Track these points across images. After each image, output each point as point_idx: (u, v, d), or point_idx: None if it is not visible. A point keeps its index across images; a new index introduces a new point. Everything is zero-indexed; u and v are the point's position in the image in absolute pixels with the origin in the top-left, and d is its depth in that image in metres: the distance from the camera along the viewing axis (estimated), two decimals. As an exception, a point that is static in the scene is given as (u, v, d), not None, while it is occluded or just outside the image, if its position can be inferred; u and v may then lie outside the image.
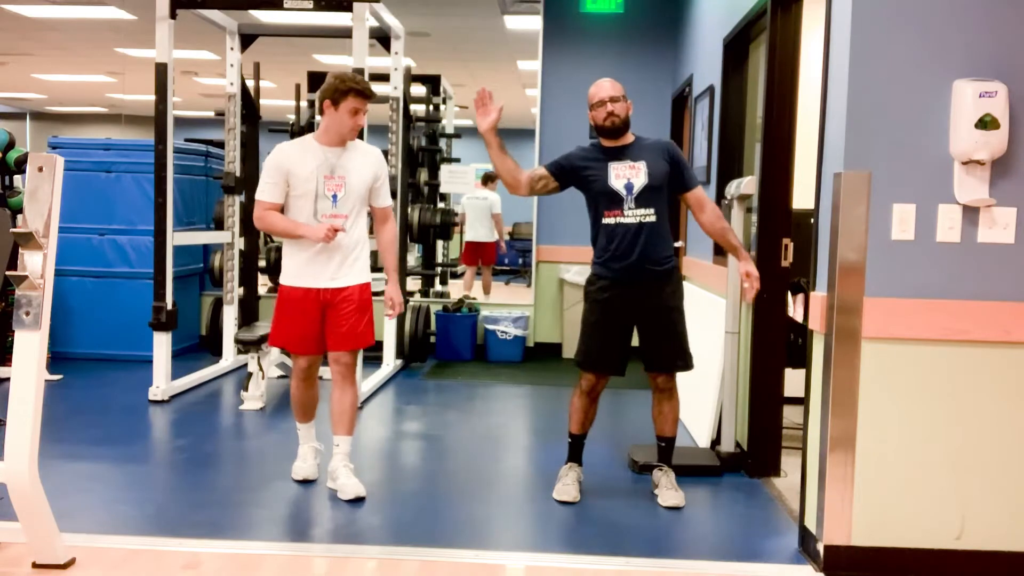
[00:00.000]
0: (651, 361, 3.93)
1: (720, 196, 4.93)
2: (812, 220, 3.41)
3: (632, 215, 3.78)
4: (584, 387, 3.98)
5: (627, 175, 3.79)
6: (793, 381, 4.25)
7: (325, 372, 4.46)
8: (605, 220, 3.82)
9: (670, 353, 3.90)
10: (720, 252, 5.05)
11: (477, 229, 10.38)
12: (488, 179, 10.53)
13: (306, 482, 4.07)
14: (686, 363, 3.92)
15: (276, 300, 4.01)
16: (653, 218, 3.79)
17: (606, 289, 3.87)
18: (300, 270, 3.90)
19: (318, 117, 3.87)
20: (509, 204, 11.55)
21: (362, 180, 3.91)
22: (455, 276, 10.55)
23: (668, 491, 3.93)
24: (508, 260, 14.01)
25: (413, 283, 9.32)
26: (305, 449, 4.15)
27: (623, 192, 3.78)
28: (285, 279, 3.96)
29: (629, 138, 3.88)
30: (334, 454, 4.00)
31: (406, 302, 7.33)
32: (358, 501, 3.86)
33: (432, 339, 7.52)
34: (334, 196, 3.85)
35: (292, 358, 4.07)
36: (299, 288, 3.91)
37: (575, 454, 4.08)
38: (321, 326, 3.94)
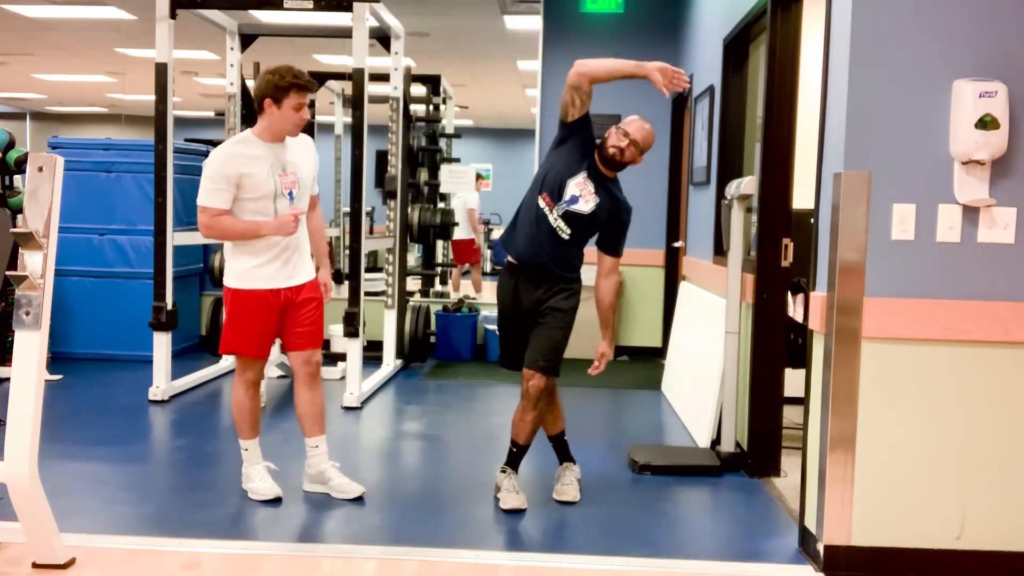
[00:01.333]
0: (525, 356, 3.87)
1: (720, 196, 4.93)
2: (812, 220, 3.41)
3: (555, 220, 3.78)
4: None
5: (582, 193, 3.78)
6: (793, 381, 4.25)
7: (328, 372, 4.44)
8: (540, 200, 3.81)
9: (535, 349, 3.81)
10: (720, 252, 5.05)
11: (457, 228, 10.51)
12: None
13: (277, 500, 3.84)
14: (548, 366, 3.80)
15: (230, 305, 3.79)
16: (566, 236, 3.79)
17: (509, 284, 3.89)
18: (257, 272, 3.74)
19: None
20: (509, 204, 11.54)
21: (308, 172, 3.85)
22: (455, 276, 10.65)
23: (510, 494, 3.83)
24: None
25: (413, 283, 9.33)
26: (260, 470, 3.93)
27: (565, 198, 3.77)
28: (240, 282, 3.75)
29: (611, 175, 3.86)
30: (314, 455, 3.94)
31: (406, 302, 7.33)
32: (359, 500, 3.85)
33: (432, 339, 7.52)
34: (290, 193, 3.74)
35: (243, 365, 3.88)
36: (259, 291, 3.74)
37: (562, 454, 4.13)
38: (277, 328, 3.85)
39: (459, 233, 10.49)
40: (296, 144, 3.83)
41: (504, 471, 3.92)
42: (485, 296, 9.93)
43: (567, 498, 3.92)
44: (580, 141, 3.84)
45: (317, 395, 3.93)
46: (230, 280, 3.78)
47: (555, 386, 3.96)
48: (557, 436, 4.10)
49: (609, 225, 3.86)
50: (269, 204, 3.70)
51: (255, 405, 3.93)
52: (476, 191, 10.61)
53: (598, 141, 3.85)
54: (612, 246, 3.92)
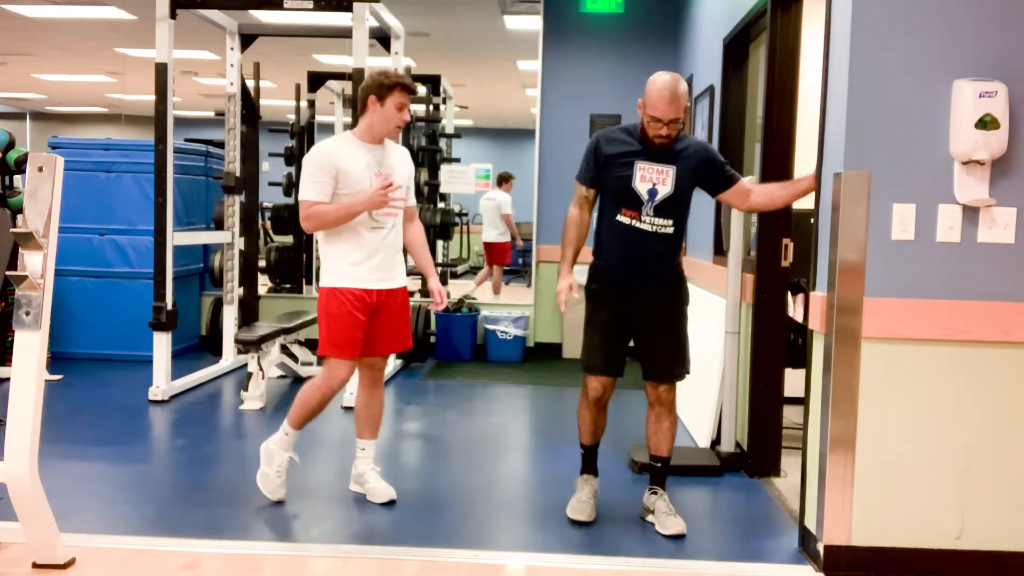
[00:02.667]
0: (650, 368, 3.66)
1: (720, 196, 4.93)
2: (812, 220, 3.41)
3: (649, 222, 3.53)
4: (591, 396, 3.70)
5: (653, 179, 3.50)
6: (793, 381, 4.24)
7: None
8: (620, 218, 3.56)
9: (670, 359, 3.64)
10: (720, 252, 5.05)
11: (488, 229, 10.55)
12: (502, 180, 10.66)
13: (278, 503, 3.79)
14: (684, 370, 3.68)
15: (325, 304, 3.74)
16: (670, 229, 3.56)
17: (610, 289, 3.63)
18: (351, 271, 3.72)
19: (346, 119, 3.74)
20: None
21: (403, 178, 3.83)
22: (455, 276, 10.64)
23: (668, 517, 3.60)
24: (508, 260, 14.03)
25: (413, 283, 9.33)
26: (284, 458, 3.85)
27: (645, 196, 3.50)
28: (334, 281, 3.73)
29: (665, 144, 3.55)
30: (361, 457, 3.96)
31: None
32: (390, 504, 3.84)
33: (432, 339, 7.52)
34: None
35: (331, 368, 3.75)
36: (353, 289, 3.71)
37: (589, 465, 3.83)
38: (368, 329, 3.78)
39: (491, 236, 10.57)
40: (395, 150, 3.87)
41: (655, 491, 3.71)
42: (491, 298, 9.94)
43: (582, 517, 3.66)
44: (612, 159, 3.56)
45: (374, 400, 3.97)
46: (325, 279, 3.76)
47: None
48: (592, 446, 3.83)
49: (701, 175, 3.59)
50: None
51: (321, 408, 3.84)
52: (508, 192, 10.67)
53: (626, 134, 3.58)
54: (726, 180, 3.63)
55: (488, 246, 10.63)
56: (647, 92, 3.48)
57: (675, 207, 3.56)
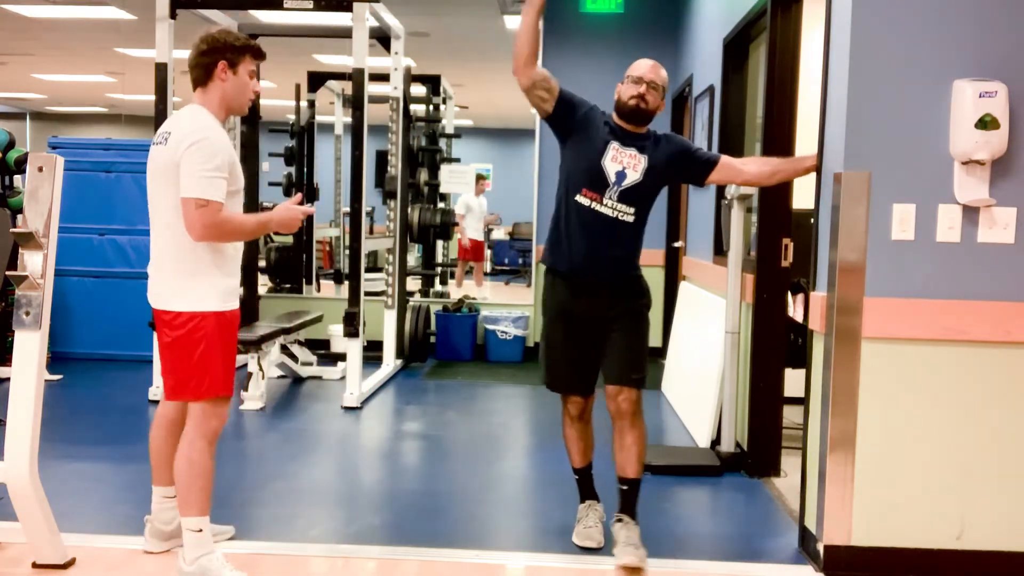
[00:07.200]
0: (605, 370, 3.38)
1: (720, 196, 4.93)
2: (812, 220, 3.41)
3: (610, 207, 3.27)
4: (572, 412, 3.46)
5: (624, 162, 3.28)
6: (793, 381, 4.25)
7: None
8: (579, 199, 3.28)
9: (622, 363, 3.32)
10: (720, 252, 5.05)
11: (473, 229, 11.04)
12: (479, 178, 11.00)
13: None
14: (639, 378, 3.33)
15: (216, 333, 2.94)
16: (631, 218, 3.29)
17: (567, 289, 3.37)
18: (234, 287, 3.02)
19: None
20: (510, 203, 11.59)
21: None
22: (454, 277, 10.78)
23: (627, 547, 3.21)
24: (508, 260, 14.05)
25: (413, 283, 9.34)
26: (220, 559, 3.01)
27: (611, 178, 3.26)
28: (222, 303, 2.95)
29: (642, 130, 3.37)
30: (168, 508, 3.19)
31: (406, 302, 7.32)
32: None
33: (432, 339, 7.52)
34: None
35: (217, 409, 3.05)
36: (237, 311, 3.04)
37: (587, 490, 3.55)
38: None
39: (478, 234, 11.05)
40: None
41: (620, 519, 3.36)
42: (492, 298, 10.02)
43: (591, 543, 3.40)
44: (583, 121, 3.34)
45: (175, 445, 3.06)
46: (209, 301, 2.92)
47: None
48: (584, 468, 3.55)
49: (676, 167, 3.38)
50: (241, 200, 3.04)
51: (211, 469, 3.06)
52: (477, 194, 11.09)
53: (603, 110, 3.40)
54: (705, 164, 3.41)
55: (476, 243, 11.12)
56: (632, 66, 3.35)
57: (641, 197, 3.31)
